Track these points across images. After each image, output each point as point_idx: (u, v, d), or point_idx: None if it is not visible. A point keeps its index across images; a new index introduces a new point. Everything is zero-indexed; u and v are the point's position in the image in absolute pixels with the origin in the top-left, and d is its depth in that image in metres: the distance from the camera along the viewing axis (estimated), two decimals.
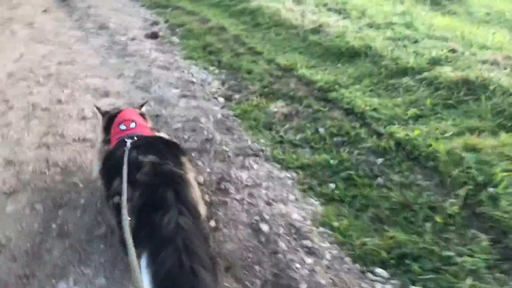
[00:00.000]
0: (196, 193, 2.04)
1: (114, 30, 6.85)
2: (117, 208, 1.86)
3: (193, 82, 4.90)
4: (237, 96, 4.57)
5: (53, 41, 6.30)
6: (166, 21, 7.53)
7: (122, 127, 2.47)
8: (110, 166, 2.24)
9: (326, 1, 7.68)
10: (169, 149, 2.23)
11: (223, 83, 4.95)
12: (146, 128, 2.57)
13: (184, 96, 4.52)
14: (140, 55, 5.68)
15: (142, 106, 2.98)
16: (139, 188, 1.90)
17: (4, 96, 4.41)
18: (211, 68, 5.44)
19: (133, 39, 6.39)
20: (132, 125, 2.49)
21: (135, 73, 5.10)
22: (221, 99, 4.50)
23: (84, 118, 3.97)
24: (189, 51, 6.00)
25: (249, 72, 5.19)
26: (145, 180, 1.94)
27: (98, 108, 2.90)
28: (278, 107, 4.26)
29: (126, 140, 2.24)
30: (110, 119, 2.66)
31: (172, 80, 4.92)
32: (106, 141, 2.53)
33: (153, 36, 6.58)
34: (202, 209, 2.01)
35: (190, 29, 6.88)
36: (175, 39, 6.49)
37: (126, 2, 9.22)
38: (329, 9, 7.22)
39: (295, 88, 4.64)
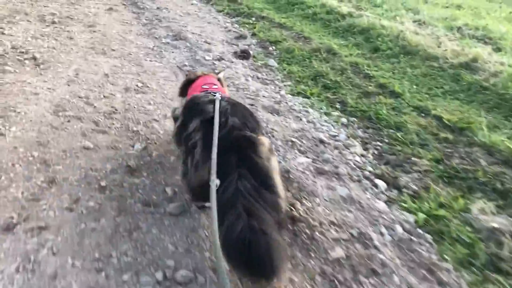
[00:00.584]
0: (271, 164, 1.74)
1: (193, 43, 5.03)
2: (193, 147, 1.82)
3: (323, 142, 3.02)
4: (406, 178, 2.64)
5: (119, 53, 4.54)
6: (253, 35, 5.68)
7: (205, 87, 2.31)
8: (191, 107, 2.10)
9: (457, 23, 5.65)
10: (250, 116, 1.99)
11: (365, 146, 3.05)
12: (225, 93, 2.34)
13: (320, 172, 2.62)
14: (235, 86, 3.83)
15: (219, 72, 2.76)
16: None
17: (44, 150, 2.58)
18: (334, 113, 3.55)
19: (220, 58, 4.55)
20: (214, 87, 2.33)
21: None
22: (380, 183, 2.59)
23: (174, 214, 2.14)
24: (296, 82, 4.13)
25: (399, 127, 3.28)
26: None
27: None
28: (486, 212, 2.33)
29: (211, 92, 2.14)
30: (189, 82, 2.54)
31: (290, 135, 3.05)
32: None
33: (244, 55, 4.73)
34: (277, 178, 1.71)
35: (288, 49, 5.00)
36: (272, 62, 4.62)
37: (200, 5, 7.45)
38: (469, 36, 5.19)
39: (492, 171, 2.69)
